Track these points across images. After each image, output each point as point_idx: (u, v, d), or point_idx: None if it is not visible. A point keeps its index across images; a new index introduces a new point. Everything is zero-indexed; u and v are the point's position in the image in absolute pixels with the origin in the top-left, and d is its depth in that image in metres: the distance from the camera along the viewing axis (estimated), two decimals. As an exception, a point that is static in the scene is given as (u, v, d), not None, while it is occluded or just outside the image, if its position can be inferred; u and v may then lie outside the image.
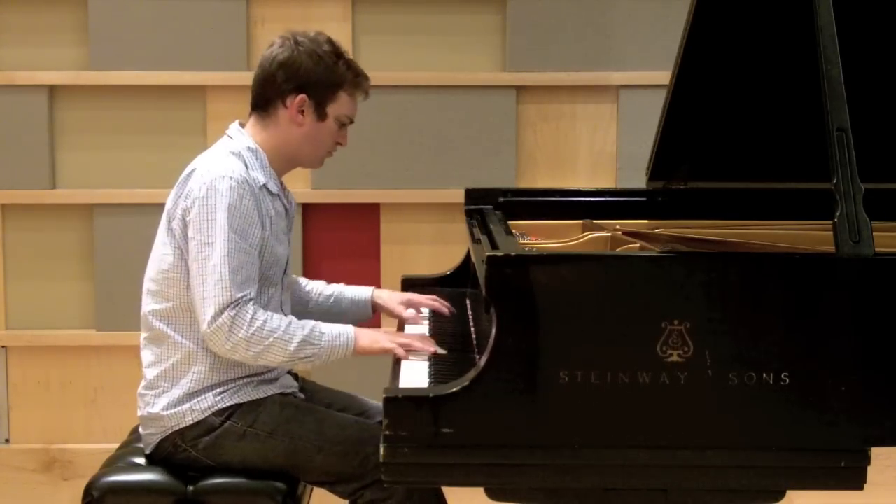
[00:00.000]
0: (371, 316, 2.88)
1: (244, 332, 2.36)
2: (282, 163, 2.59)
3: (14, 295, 3.84)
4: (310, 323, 2.43)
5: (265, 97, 2.55)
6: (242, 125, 2.60)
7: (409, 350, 2.44)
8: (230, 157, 2.49)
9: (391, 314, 2.86)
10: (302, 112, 2.53)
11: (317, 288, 2.87)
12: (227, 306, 2.36)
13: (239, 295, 2.37)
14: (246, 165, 2.49)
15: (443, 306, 2.80)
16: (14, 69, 3.76)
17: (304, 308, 2.83)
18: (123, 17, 3.73)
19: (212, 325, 2.36)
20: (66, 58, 3.78)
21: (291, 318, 2.44)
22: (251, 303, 2.40)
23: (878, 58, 2.65)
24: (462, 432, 2.04)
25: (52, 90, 3.78)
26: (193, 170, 2.49)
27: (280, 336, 2.38)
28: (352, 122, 2.62)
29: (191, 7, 3.74)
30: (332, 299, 2.86)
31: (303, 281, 2.89)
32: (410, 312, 2.81)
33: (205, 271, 2.38)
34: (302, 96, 2.52)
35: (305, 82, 2.51)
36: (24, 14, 3.76)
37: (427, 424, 2.04)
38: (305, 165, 2.67)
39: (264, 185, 2.51)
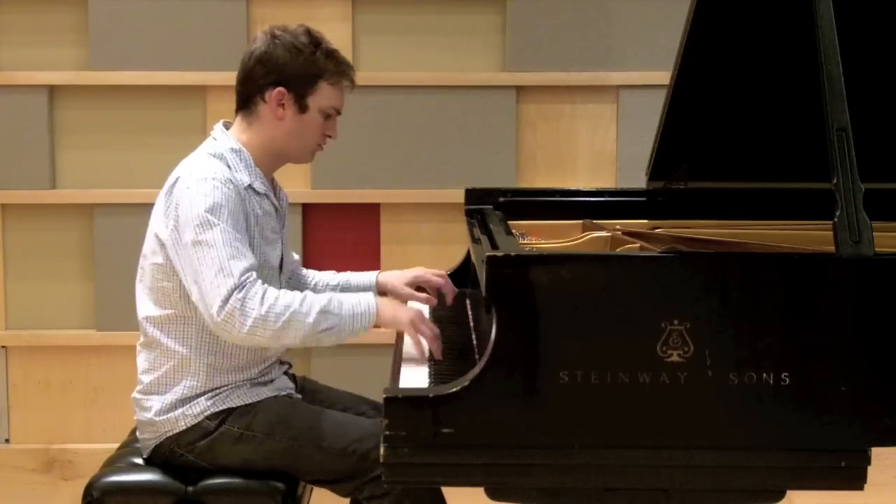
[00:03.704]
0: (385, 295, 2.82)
1: (257, 311, 2.30)
2: (270, 160, 2.55)
3: (14, 295, 3.84)
4: (326, 294, 2.39)
5: (246, 95, 2.52)
6: (228, 125, 2.56)
7: (421, 340, 2.39)
8: (211, 161, 2.45)
9: (399, 297, 2.80)
10: (282, 105, 2.48)
11: (324, 279, 2.84)
12: (234, 291, 2.31)
13: (243, 279, 2.32)
14: (229, 167, 2.45)
15: (447, 284, 2.75)
16: (14, 69, 3.76)
17: None
18: (123, 17, 3.73)
19: (221, 313, 2.30)
20: (66, 58, 3.78)
21: (307, 291, 2.40)
22: (259, 281, 2.35)
23: (878, 58, 2.65)
24: (462, 432, 2.04)
25: (52, 90, 3.78)
26: (177, 178, 2.44)
27: (297, 309, 2.33)
28: (339, 113, 2.56)
29: (191, 7, 3.74)
30: (339, 288, 2.81)
31: (310, 274, 2.86)
32: (421, 298, 2.76)
33: (203, 266, 2.33)
34: (280, 89, 2.47)
35: (283, 75, 2.47)
36: (24, 14, 3.76)
37: (427, 424, 2.04)
38: (295, 161, 2.61)
39: (249, 185, 2.47)
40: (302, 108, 2.50)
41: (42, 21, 3.77)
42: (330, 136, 2.58)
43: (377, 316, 2.40)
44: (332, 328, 2.36)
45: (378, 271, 2.85)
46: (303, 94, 2.49)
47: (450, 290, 2.77)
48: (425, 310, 2.72)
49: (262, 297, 2.32)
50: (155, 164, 3.75)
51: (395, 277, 2.80)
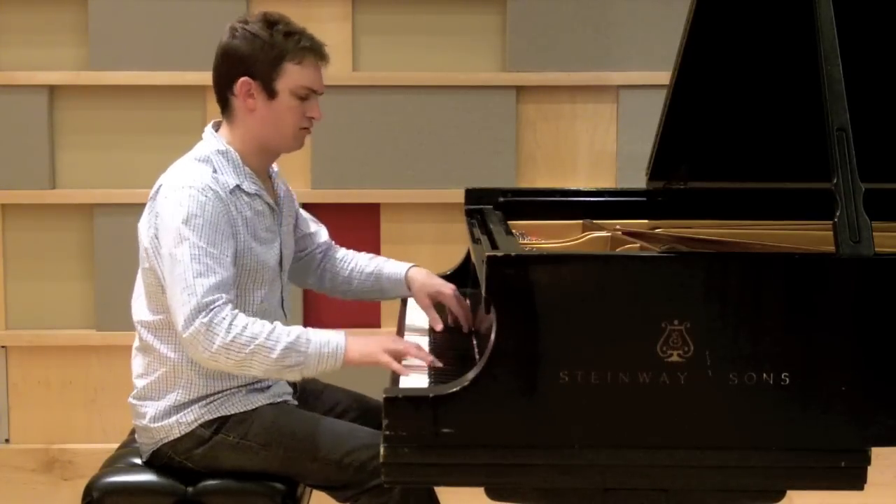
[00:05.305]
0: (410, 293, 2.79)
1: (221, 339, 2.28)
2: (257, 156, 2.52)
3: (14, 295, 3.84)
4: (297, 329, 2.34)
5: (220, 95, 2.50)
6: (218, 125, 2.55)
7: (407, 361, 2.35)
8: (195, 165, 2.44)
9: (418, 302, 2.78)
10: (251, 95, 2.45)
11: (358, 266, 2.80)
12: (199, 312, 2.28)
13: (208, 299, 2.28)
14: (215, 170, 2.43)
15: (467, 320, 2.69)
16: (14, 69, 3.76)
17: (349, 287, 2.79)
18: (123, 17, 3.73)
19: (185, 332, 2.29)
20: (66, 58, 3.78)
21: (277, 323, 2.35)
22: (229, 307, 2.31)
23: (878, 58, 2.65)
24: (462, 432, 2.04)
25: (52, 90, 3.78)
26: (160, 186, 2.44)
27: (262, 343, 2.29)
28: (315, 91, 2.50)
29: (191, 7, 3.74)
30: (372, 278, 2.79)
31: (347, 256, 2.81)
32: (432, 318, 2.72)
33: (172, 282, 2.32)
34: (244, 79, 2.43)
35: (245, 64, 2.43)
36: (24, 14, 3.76)
37: (427, 424, 2.04)
38: (283, 150, 2.55)
39: (237, 186, 2.44)
40: (270, 93, 2.45)
41: (42, 21, 3.76)
42: (313, 118, 2.51)
43: (346, 358, 2.34)
44: (297, 366, 2.32)
45: (411, 265, 2.79)
46: (268, 79, 2.44)
47: (465, 321, 2.70)
48: (424, 338, 2.70)
49: (230, 325, 2.29)
50: (155, 164, 3.70)
51: (419, 285, 2.74)
